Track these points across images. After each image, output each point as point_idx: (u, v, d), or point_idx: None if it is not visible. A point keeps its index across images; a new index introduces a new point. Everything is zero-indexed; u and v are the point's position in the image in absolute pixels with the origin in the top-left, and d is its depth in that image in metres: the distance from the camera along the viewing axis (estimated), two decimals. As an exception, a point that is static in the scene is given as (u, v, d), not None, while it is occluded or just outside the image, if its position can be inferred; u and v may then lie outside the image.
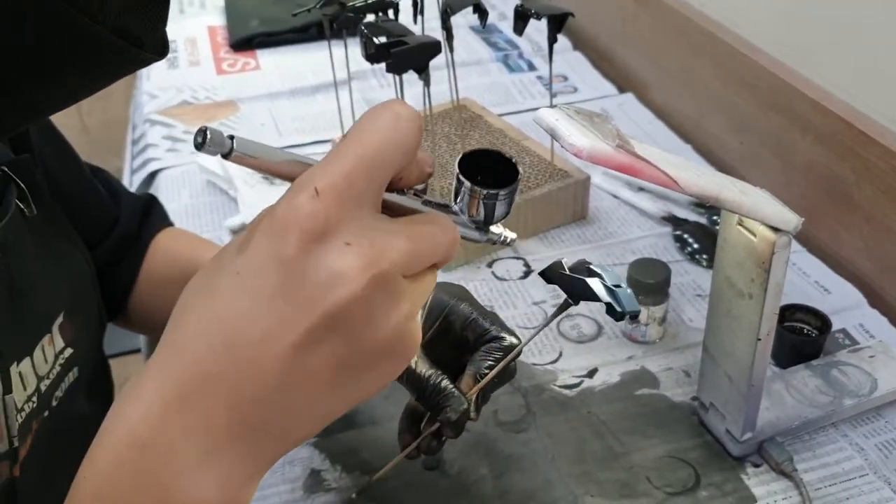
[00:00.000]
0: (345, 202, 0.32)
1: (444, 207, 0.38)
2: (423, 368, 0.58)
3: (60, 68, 0.38)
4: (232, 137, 0.32)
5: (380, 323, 0.33)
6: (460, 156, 0.38)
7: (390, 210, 0.36)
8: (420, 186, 0.38)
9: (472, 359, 0.60)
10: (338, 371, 0.33)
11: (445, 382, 0.57)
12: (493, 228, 0.40)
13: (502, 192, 0.37)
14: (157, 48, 0.41)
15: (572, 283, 0.54)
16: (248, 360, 0.32)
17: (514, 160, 0.38)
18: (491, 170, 0.37)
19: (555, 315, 0.56)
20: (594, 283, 0.53)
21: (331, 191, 0.32)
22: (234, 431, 0.33)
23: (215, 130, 0.31)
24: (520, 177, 0.37)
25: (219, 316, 0.33)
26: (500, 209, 0.38)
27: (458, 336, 0.61)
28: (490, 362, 0.59)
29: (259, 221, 0.33)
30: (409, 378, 0.58)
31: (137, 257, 0.74)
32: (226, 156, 0.32)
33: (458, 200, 0.38)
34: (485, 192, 0.37)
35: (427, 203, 0.37)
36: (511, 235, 0.42)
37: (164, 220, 0.78)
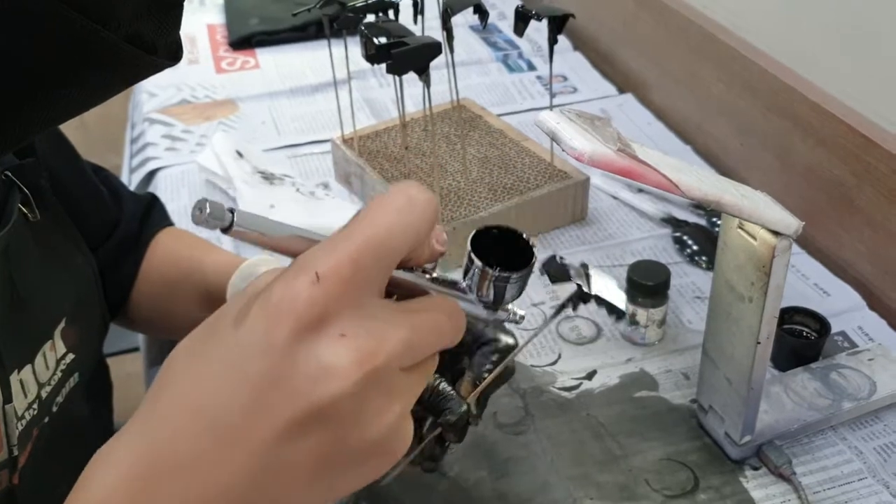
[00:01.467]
0: (346, 290, 0.30)
1: (453, 285, 0.36)
2: None
3: (73, 77, 0.38)
4: (233, 211, 0.30)
5: (370, 421, 0.31)
6: (473, 232, 0.36)
7: (395, 286, 0.34)
8: (430, 265, 0.36)
9: (469, 363, 0.59)
10: (320, 465, 0.32)
11: (443, 385, 0.56)
12: (502, 307, 0.38)
13: (514, 276, 0.36)
14: (171, 53, 0.41)
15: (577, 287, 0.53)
16: (227, 443, 0.31)
17: (529, 239, 0.36)
18: (505, 246, 0.36)
19: (552, 317, 0.56)
20: (602, 284, 0.52)
21: (333, 277, 0.30)
22: None
23: (215, 203, 0.29)
24: (534, 259, 0.36)
25: (203, 394, 0.31)
26: (510, 291, 0.36)
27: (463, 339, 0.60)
28: (488, 366, 0.58)
29: (256, 298, 0.31)
30: None
31: (137, 257, 0.74)
32: (225, 230, 0.30)
33: (467, 278, 0.36)
34: (496, 274, 0.35)
35: (434, 280, 0.35)
36: (521, 313, 0.40)
37: (164, 220, 0.78)
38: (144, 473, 0.31)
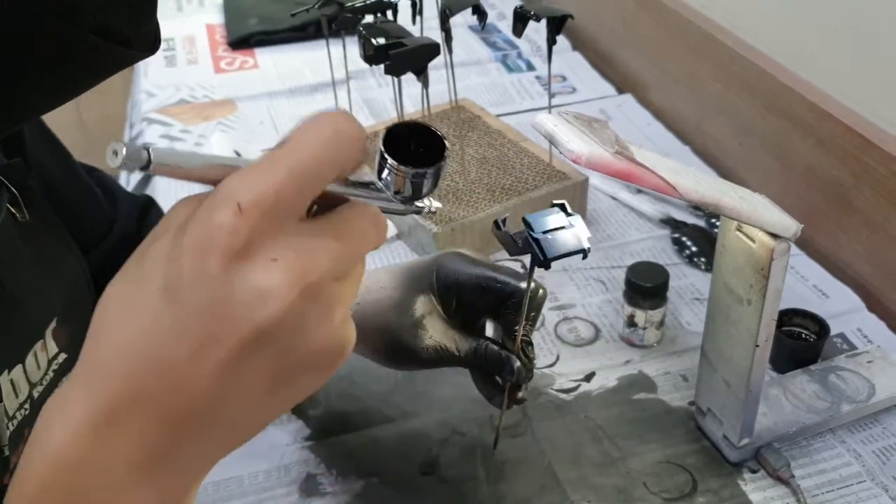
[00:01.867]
0: (270, 218, 0.31)
1: (369, 185, 0.36)
2: (465, 345, 0.61)
3: (40, 71, 0.37)
4: (148, 148, 0.30)
5: (313, 333, 0.33)
6: (385, 130, 0.36)
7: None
8: None
9: (500, 321, 0.62)
10: (271, 382, 0.33)
11: (491, 348, 0.61)
12: (419, 202, 0.39)
13: (429, 171, 0.36)
14: (147, 44, 0.41)
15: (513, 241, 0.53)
16: (177, 378, 0.31)
17: (441, 134, 0.36)
18: (418, 143, 0.36)
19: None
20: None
21: (255, 207, 0.30)
22: (168, 447, 0.33)
23: (131, 144, 0.29)
24: (447, 153, 0.36)
25: (143, 334, 0.32)
26: (426, 186, 0.37)
27: (476, 304, 0.63)
28: (513, 317, 0.61)
29: (181, 233, 0.32)
30: (455, 360, 0.61)
31: None
32: (144, 168, 0.30)
33: (382, 176, 0.36)
34: (411, 170, 0.36)
35: (350, 184, 0.35)
36: (436, 204, 0.41)
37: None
38: (102, 417, 0.32)
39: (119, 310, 0.33)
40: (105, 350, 0.33)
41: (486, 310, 0.63)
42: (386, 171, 0.36)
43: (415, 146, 0.36)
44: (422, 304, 0.62)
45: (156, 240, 0.33)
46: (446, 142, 0.36)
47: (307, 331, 0.32)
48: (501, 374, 0.61)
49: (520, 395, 0.63)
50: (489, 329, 0.66)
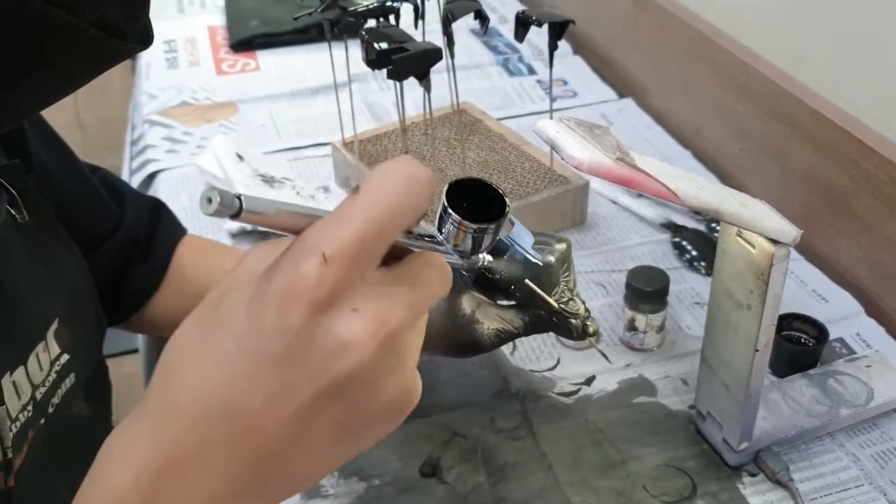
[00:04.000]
0: (353, 268, 0.31)
1: (431, 238, 0.37)
2: (519, 321, 0.67)
3: (39, 65, 0.37)
4: (239, 197, 0.30)
5: (386, 384, 0.33)
6: (447, 185, 0.37)
7: None
8: None
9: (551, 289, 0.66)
10: (339, 433, 0.33)
11: (541, 315, 0.66)
12: (475, 256, 0.40)
13: (490, 227, 0.37)
14: (141, 38, 0.41)
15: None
16: (248, 426, 0.32)
17: (501, 191, 0.37)
18: (478, 198, 0.37)
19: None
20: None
21: (340, 258, 0.31)
22: (229, 496, 0.33)
23: (224, 192, 0.30)
24: (508, 210, 0.37)
25: (218, 380, 0.32)
26: (486, 241, 0.38)
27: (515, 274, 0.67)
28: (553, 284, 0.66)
29: (265, 282, 0.32)
30: (517, 336, 0.67)
31: (158, 267, 0.73)
32: (234, 216, 0.31)
33: (442, 230, 0.37)
34: (474, 226, 0.36)
35: (413, 236, 0.36)
36: (488, 259, 0.42)
37: (178, 228, 0.77)
38: (166, 462, 0.32)
39: (193, 353, 0.33)
40: (176, 393, 0.32)
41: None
42: (447, 225, 0.37)
43: (475, 200, 0.37)
44: (467, 303, 0.66)
45: (235, 287, 0.33)
46: (507, 199, 0.37)
47: (380, 383, 0.33)
48: (569, 337, 0.67)
49: (591, 330, 0.67)
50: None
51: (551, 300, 0.65)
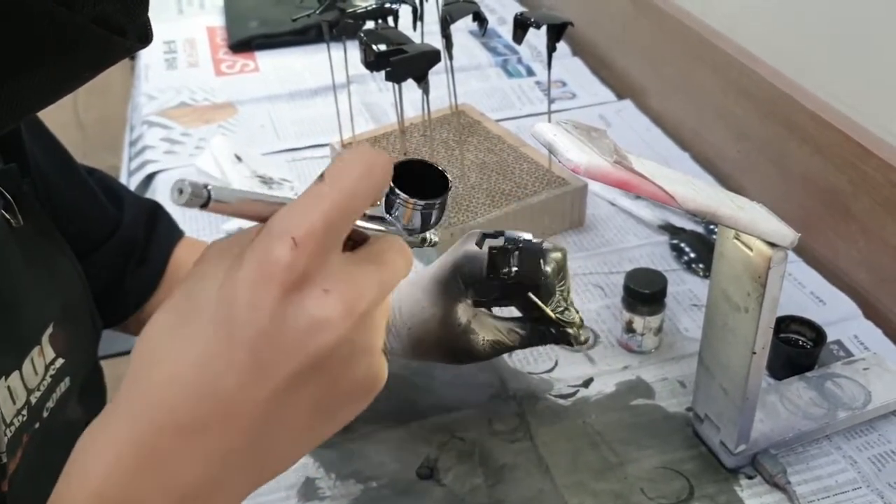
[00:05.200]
0: (321, 250, 0.32)
1: (381, 220, 0.39)
2: (514, 336, 0.68)
3: (40, 62, 0.38)
4: (207, 187, 0.32)
5: (359, 362, 0.34)
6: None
7: None
8: None
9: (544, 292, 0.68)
10: (315, 411, 0.34)
11: (544, 332, 0.68)
12: (424, 234, 0.42)
13: (437, 202, 0.39)
14: (141, 35, 0.41)
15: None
16: (226, 408, 0.32)
17: (443, 169, 0.39)
18: (422, 178, 0.39)
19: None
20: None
21: (309, 239, 0.32)
22: (210, 479, 0.33)
23: (195, 183, 0.31)
24: (451, 185, 0.39)
25: (193, 365, 0.32)
26: (434, 217, 0.40)
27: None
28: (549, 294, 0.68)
29: (236, 265, 0.32)
30: (512, 349, 0.70)
31: (155, 270, 0.73)
32: (203, 205, 0.32)
33: (392, 211, 0.39)
34: (421, 203, 0.38)
35: (367, 218, 0.38)
36: (435, 238, 0.44)
37: (176, 231, 0.77)
38: (145, 450, 0.32)
39: (166, 342, 0.33)
40: (151, 381, 0.33)
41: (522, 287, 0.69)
42: (396, 205, 0.39)
43: (417, 182, 0.39)
44: (462, 312, 0.67)
45: (204, 277, 0.34)
46: (448, 175, 0.39)
47: (354, 359, 0.34)
48: (566, 345, 0.70)
49: (582, 339, 0.69)
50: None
51: (549, 311, 0.67)
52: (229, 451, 0.33)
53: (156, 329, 0.34)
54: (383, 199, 0.39)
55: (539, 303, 0.67)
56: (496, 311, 0.72)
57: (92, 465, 0.33)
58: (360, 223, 0.37)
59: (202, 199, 0.32)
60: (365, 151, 0.34)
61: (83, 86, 0.42)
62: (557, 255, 0.68)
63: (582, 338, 0.68)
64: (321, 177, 0.34)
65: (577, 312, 0.68)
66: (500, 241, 0.68)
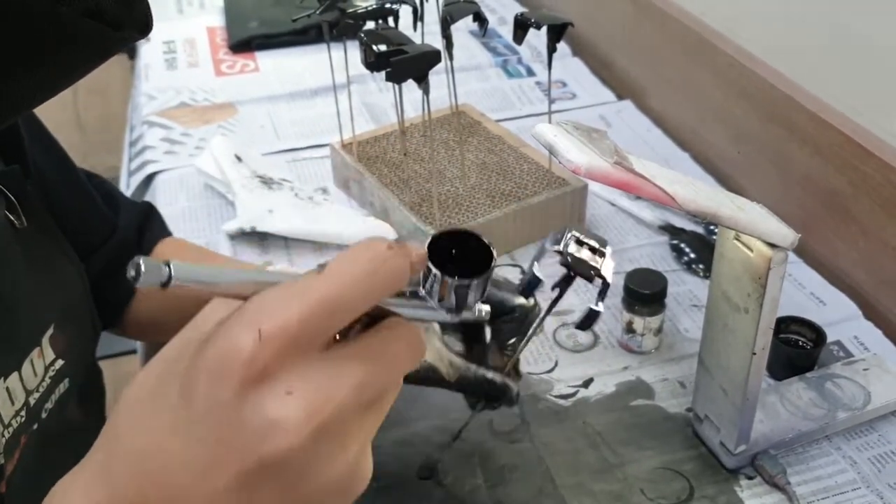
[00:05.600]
0: (291, 348, 0.30)
1: (413, 295, 0.35)
2: (454, 372, 0.60)
3: (34, 58, 0.37)
4: (168, 264, 0.28)
5: (322, 470, 0.31)
6: (429, 239, 0.35)
7: None
8: None
9: (493, 331, 0.62)
10: None
11: (490, 375, 0.61)
12: (465, 311, 0.37)
13: (474, 282, 0.34)
14: (139, 26, 0.40)
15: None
16: (178, 498, 0.31)
17: (488, 242, 0.35)
18: (464, 250, 0.35)
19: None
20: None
21: (278, 336, 0.29)
22: None
23: (149, 261, 0.28)
24: (494, 262, 0.34)
25: (151, 450, 0.31)
26: (472, 297, 0.35)
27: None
28: (509, 332, 0.62)
29: (200, 350, 0.31)
30: (443, 384, 0.61)
31: None
32: (165, 285, 0.28)
33: (426, 286, 0.35)
34: (456, 281, 0.34)
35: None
36: (485, 310, 0.39)
37: (163, 231, 0.77)
38: None
39: (135, 415, 0.32)
40: (115, 453, 0.32)
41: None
42: (430, 280, 0.34)
43: (461, 252, 0.35)
44: None
45: (184, 345, 0.32)
46: (493, 250, 0.35)
47: (316, 467, 0.31)
48: (499, 401, 0.62)
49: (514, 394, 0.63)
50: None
51: (517, 353, 0.61)
52: None
53: (133, 396, 0.33)
54: (421, 272, 0.35)
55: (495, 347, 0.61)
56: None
57: None
58: (384, 300, 0.33)
59: (161, 277, 0.28)
60: (374, 249, 0.31)
61: (84, 85, 0.42)
62: (536, 309, 0.63)
63: (514, 391, 0.62)
64: (320, 266, 0.31)
65: (520, 376, 0.63)
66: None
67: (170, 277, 0.28)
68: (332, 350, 0.31)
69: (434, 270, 0.34)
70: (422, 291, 0.35)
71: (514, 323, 0.61)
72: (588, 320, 0.53)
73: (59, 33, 0.37)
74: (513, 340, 0.61)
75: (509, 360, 0.61)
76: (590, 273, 0.51)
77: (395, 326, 0.33)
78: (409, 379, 0.58)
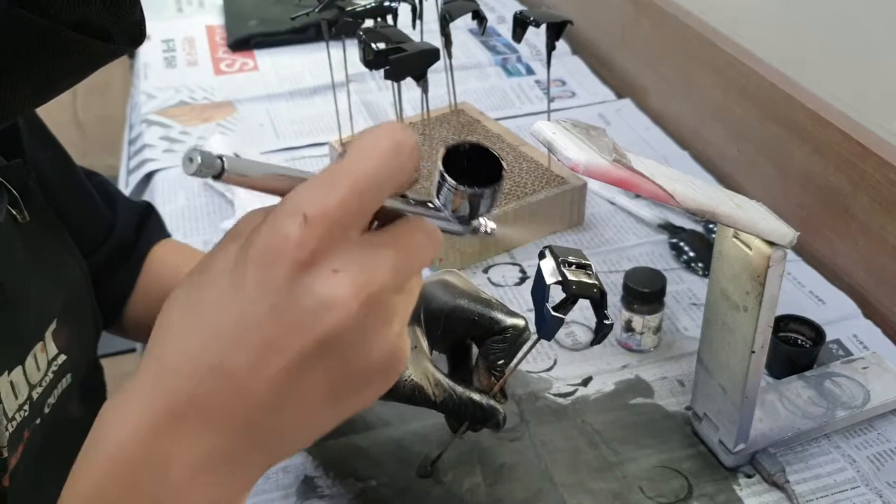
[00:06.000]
0: (334, 230, 0.31)
1: (426, 205, 0.37)
2: (441, 392, 0.60)
3: (15, 66, 0.37)
4: (222, 158, 0.31)
5: (371, 345, 0.33)
6: (443, 150, 0.36)
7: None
8: None
9: (482, 351, 0.61)
10: (329, 392, 0.33)
11: (473, 398, 0.60)
12: (475, 221, 0.39)
13: (486, 191, 0.36)
14: (131, 37, 0.40)
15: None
16: (238, 384, 0.32)
17: (498, 154, 0.37)
18: (475, 163, 0.36)
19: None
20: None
21: (321, 219, 0.31)
22: (223, 453, 0.33)
23: (205, 153, 0.30)
24: (504, 172, 0.36)
25: (204, 340, 0.32)
26: (483, 206, 0.37)
27: (464, 335, 0.63)
28: (499, 353, 0.61)
29: (247, 244, 0.32)
30: (429, 403, 0.60)
31: (134, 268, 0.73)
32: (216, 177, 0.31)
33: (440, 196, 0.37)
34: (469, 190, 0.36)
35: (409, 202, 0.36)
36: (491, 225, 0.41)
37: (161, 231, 0.77)
38: (162, 417, 0.32)
39: (182, 315, 0.33)
40: (167, 354, 0.33)
41: (472, 339, 0.63)
42: (444, 190, 0.36)
43: (472, 165, 0.36)
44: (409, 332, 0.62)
45: (222, 249, 0.34)
46: (503, 162, 0.37)
47: (366, 342, 0.33)
48: (485, 425, 0.61)
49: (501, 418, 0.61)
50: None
51: (481, 398, 0.60)
52: (240, 426, 0.33)
53: (174, 301, 0.34)
54: (435, 181, 0.37)
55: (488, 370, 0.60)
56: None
57: (111, 430, 0.33)
58: (402, 206, 0.35)
59: (214, 169, 0.31)
60: (393, 129, 0.33)
61: (83, 85, 0.42)
62: (518, 323, 0.61)
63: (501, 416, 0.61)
64: (342, 153, 0.33)
65: (506, 399, 0.62)
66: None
67: (223, 169, 0.31)
68: (367, 236, 0.33)
69: (448, 179, 0.36)
70: (436, 201, 0.37)
71: (505, 343, 0.61)
72: (602, 336, 0.55)
73: (41, 46, 0.37)
74: (501, 362, 0.61)
75: (497, 381, 0.61)
76: (592, 292, 0.53)
77: (414, 220, 0.35)
78: (395, 397, 0.60)
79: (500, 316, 0.62)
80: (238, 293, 0.32)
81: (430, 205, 0.37)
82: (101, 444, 0.33)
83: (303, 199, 0.32)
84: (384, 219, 0.35)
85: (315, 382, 0.33)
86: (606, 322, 0.54)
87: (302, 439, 0.35)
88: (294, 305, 0.31)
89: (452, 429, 0.64)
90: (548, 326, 0.54)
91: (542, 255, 0.55)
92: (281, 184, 0.33)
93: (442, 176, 0.36)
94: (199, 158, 0.30)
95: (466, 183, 0.36)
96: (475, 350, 0.64)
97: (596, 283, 0.54)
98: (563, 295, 0.54)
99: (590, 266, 0.55)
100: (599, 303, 0.54)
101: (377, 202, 0.33)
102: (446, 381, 0.60)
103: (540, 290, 0.54)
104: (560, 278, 0.54)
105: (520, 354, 0.62)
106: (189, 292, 0.34)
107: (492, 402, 0.60)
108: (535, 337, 0.59)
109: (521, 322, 0.61)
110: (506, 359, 0.61)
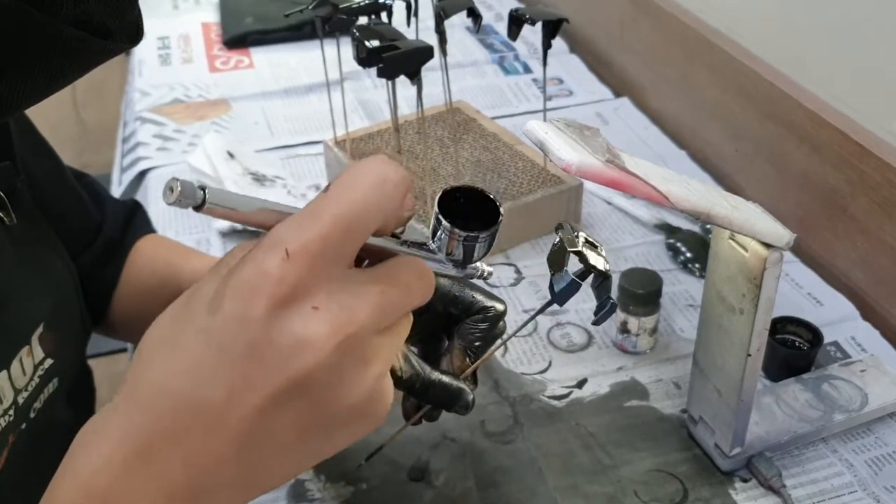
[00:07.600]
0: (316, 265, 0.31)
1: (422, 246, 0.37)
2: (408, 368, 0.55)
3: (15, 63, 0.37)
4: (204, 189, 0.30)
5: (349, 387, 0.32)
6: (440, 193, 0.36)
7: (366, 252, 0.35)
8: (398, 230, 0.37)
9: (458, 330, 0.57)
10: (304, 432, 0.33)
11: (444, 379, 0.54)
12: (470, 266, 0.39)
13: (482, 235, 0.36)
14: (129, 35, 0.40)
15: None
16: (211, 420, 0.32)
17: (496, 199, 0.36)
18: (472, 207, 0.36)
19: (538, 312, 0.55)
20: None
21: (302, 254, 0.31)
22: (194, 488, 0.33)
23: (186, 182, 0.30)
24: (501, 218, 0.36)
25: (182, 373, 0.32)
26: (479, 250, 0.37)
27: (441, 312, 0.58)
28: (478, 334, 0.57)
29: (228, 277, 0.32)
30: (399, 383, 0.55)
31: (118, 265, 0.73)
32: (197, 208, 0.31)
33: (436, 239, 0.36)
34: (464, 234, 0.36)
35: (403, 243, 0.36)
36: (488, 269, 0.41)
37: (146, 227, 0.77)
38: (133, 452, 0.32)
39: (161, 346, 0.33)
40: (144, 385, 0.33)
41: (449, 319, 0.59)
42: (439, 233, 0.36)
43: (469, 209, 0.36)
44: None
45: (206, 281, 0.33)
46: (501, 207, 0.36)
47: (341, 385, 0.32)
48: (450, 408, 0.54)
49: (437, 413, 0.58)
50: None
51: (451, 379, 0.55)
52: (214, 461, 0.32)
53: (155, 330, 0.34)
54: (431, 223, 0.36)
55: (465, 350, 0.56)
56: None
57: (83, 460, 0.33)
58: (397, 247, 0.35)
59: (195, 200, 0.30)
60: (378, 162, 0.33)
61: (82, 82, 0.41)
62: (499, 306, 0.57)
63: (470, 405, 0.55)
64: (327, 187, 0.32)
65: (476, 384, 0.57)
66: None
67: (203, 201, 0.30)
68: (352, 272, 0.33)
69: (444, 223, 0.36)
70: (431, 244, 0.37)
71: (486, 323, 0.57)
72: (606, 313, 0.53)
73: (45, 42, 0.36)
74: (479, 344, 0.57)
75: (472, 362, 0.57)
76: (608, 268, 0.52)
77: (406, 258, 0.35)
78: None
79: (479, 297, 0.58)
80: (217, 327, 0.31)
81: (425, 247, 0.37)
82: (78, 469, 0.33)
83: (285, 234, 0.31)
84: (378, 260, 0.34)
85: (288, 422, 0.32)
86: (612, 299, 0.53)
87: (276, 477, 0.34)
88: (270, 343, 0.31)
89: (406, 414, 0.59)
90: (565, 289, 0.51)
91: (559, 227, 0.53)
92: (265, 217, 0.33)
93: (437, 218, 0.36)
94: (179, 187, 0.29)
95: (462, 226, 0.36)
96: (446, 344, 0.60)
97: (608, 262, 0.53)
98: (579, 266, 0.52)
99: (600, 247, 0.54)
100: (605, 283, 0.53)
101: (362, 236, 0.32)
102: (415, 358, 0.55)
103: (559, 255, 0.53)
104: (580, 248, 0.52)
105: (504, 338, 0.58)
106: (171, 323, 0.33)
107: (461, 384, 0.55)
108: (528, 317, 0.56)
109: (501, 306, 0.58)
110: (483, 341, 0.57)
